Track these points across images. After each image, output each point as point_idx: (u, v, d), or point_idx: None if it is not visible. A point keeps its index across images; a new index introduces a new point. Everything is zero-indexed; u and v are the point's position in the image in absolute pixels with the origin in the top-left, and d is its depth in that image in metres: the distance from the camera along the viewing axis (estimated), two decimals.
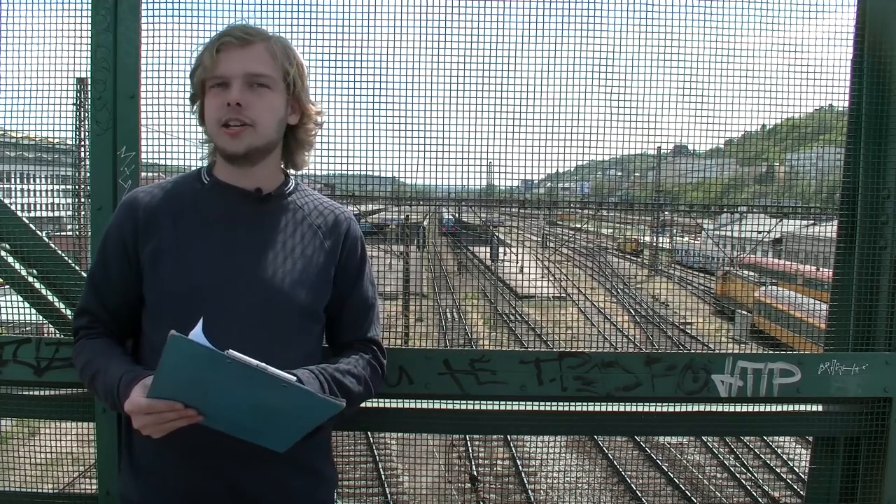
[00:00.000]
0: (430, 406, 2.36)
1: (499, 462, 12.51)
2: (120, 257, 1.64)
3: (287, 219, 1.70)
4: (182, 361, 1.33)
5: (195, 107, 1.69)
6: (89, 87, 2.22)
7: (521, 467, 12.13)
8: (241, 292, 1.58)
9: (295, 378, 1.38)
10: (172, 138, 2.28)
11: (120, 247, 1.64)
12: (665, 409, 2.40)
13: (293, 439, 1.51)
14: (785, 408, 2.42)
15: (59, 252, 2.36)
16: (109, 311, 1.67)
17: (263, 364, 1.35)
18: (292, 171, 1.81)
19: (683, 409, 2.40)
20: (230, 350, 1.33)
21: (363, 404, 2.31)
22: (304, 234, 1.70)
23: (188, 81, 1.69)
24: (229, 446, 1.55)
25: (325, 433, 1.80)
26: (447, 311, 19.65)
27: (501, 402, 2.35)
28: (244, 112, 1.58)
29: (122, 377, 1.50)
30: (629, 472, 12.18)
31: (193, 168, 1.80)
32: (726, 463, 12.49)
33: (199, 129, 1.71)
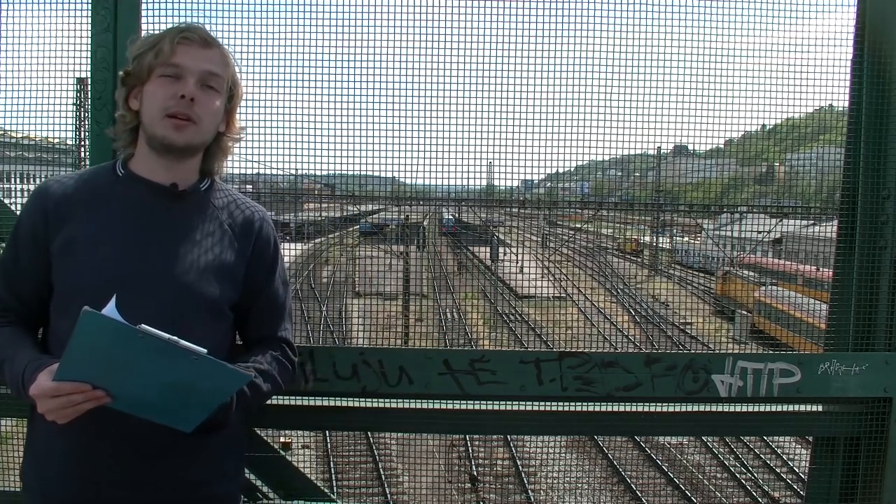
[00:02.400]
0: (430, 406, 2.36)
1: (499, 462, 12.51)
2: (30, 247, 1.64)
3: (199, 216, 1.71)
4: (94, 339, 1.34)
5: (121, 90, 1.67)
6: (89, 87, 2.22)
7: (521, 467, 12.13)
8: (149, 286, 1.59)
9: (206, 350, 1.39)
10: None
11: (30, 236, 1.64)
12: (665, 409, 2.40)
13: (200, 418, 1.52)
14: (785, 408, 2.42)
15: None
16: (20, 299, 1.66)
17: (175, 337, 1.36)
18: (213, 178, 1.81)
19: (683, 409, 2.40)
20: (142, 325, 1.34)
21: (363, 404, 2.33)
22: (215, 231, 1.71)
23: None
24: (130, 436, 1.56)
25: (233, 429, 1.75)
26: (447, 311, 19.64)
27: (501, 402, 2.35)
28: (194, 108, 1.60)
29: (28, 365, 1.50)
30: (629, 472, 12.18)
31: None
32: (726, 463, 12.49)
33: (116, 113, 1.70)
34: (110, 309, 1.36)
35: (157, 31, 1.65)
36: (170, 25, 1.72)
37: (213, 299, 1.66)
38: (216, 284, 1.67)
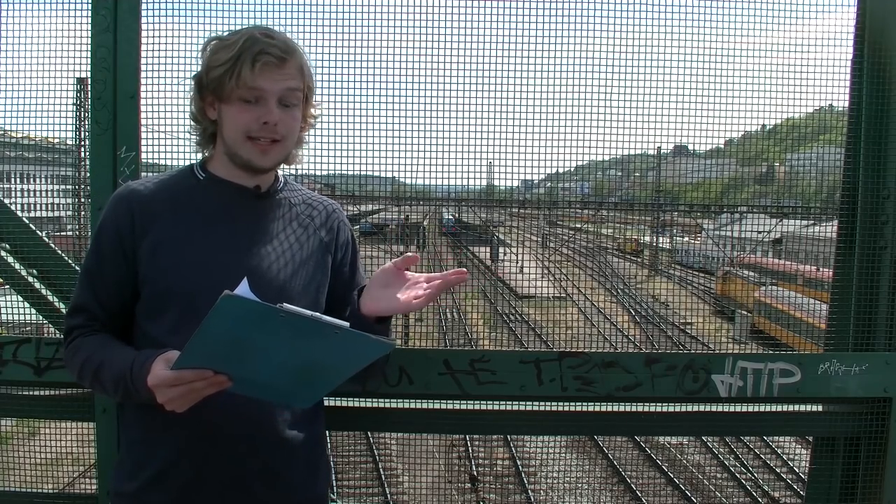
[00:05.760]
0: (430, 406, 2.36)
1: (499, 462, 12.51)
2: (115, 251, 1.62)
3: (282, 214, 1.72)
4: (230, 323, 1.28)
5: (195, 97, 1.66)
6: (89, 87, 2.22)
7: (521, 467, 12.12)
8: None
9: (348, 324, 1.35)
10: (172, 138, 2.28)
11: (116, 240, 1.62)
12: (665, 409, 2.40)
13: (323, 393, 1.52)
14: (785, 408, 2.42)
15: (59, 252, 2.36)
16: (105, 306, 1.64)
17: (317, 314, 1.32)
18: (283, 166, 1.81)
19: (683, 409, 2.41)
20: (283, 304, 1.29)
21: (363, 404, 2.33)
22: (301, 229, 1.73)
23: (188, 81, 1.68)
24: (233, 437, 1.57)
25: (321, 426, 1.81)
26: (447, 311, 19.63)
27: (501, 402, 2.36)
28: (278, 129, 1.60)
29: (135, 359, 1.48)
30: (629, 472, 12.18)
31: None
32: (726, 463, 12.49)
33: (190, 120, 1.69)
34: (244, 289, 1.30)
35: (230, 36, 1.59)
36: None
37: (309, 295, 1.67)
38: (310, 280, 1.68)
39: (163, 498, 1.60)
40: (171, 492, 1.59)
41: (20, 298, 2.40)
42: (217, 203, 1.66)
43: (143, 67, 2.23)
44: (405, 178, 2.83)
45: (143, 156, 2.26)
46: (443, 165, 2.43)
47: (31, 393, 2.35)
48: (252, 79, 1.55)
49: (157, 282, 1.59)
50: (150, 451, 1.61)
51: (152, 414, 1.52)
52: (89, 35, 2.20)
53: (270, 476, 1.64)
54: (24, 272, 2.36)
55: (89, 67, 2.22)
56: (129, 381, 1.48)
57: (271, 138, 1.61)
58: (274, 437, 1.63)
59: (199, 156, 1.76)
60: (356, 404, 2.31)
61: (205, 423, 1.54)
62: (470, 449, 12.21)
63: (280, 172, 1.80)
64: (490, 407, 2.36)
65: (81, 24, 2.25)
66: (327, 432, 1.96)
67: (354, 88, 2.32)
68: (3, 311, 2.58)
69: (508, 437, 11.96)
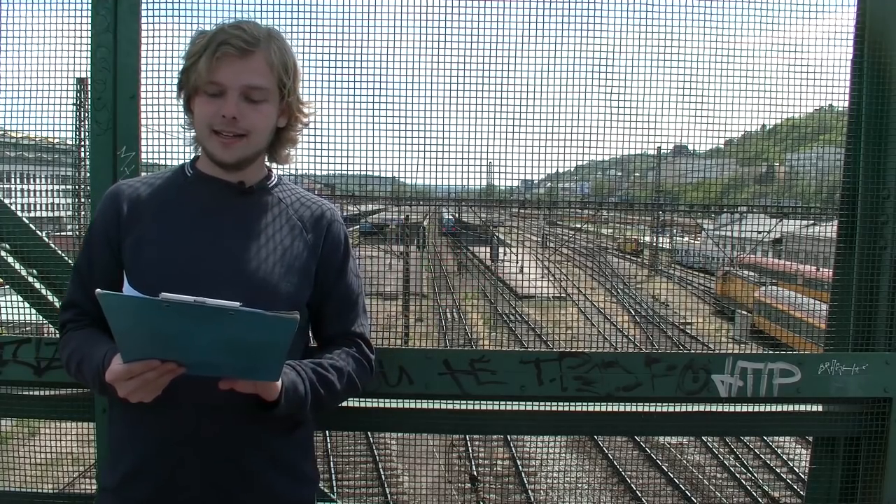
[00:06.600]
0: (430, 406, 2.36)
1: (499, 462, 12.51)
2: (103, 248, 1.63)
3: (269, 212, 1.70)
4: (124, 318, 1.30)
5: (182, 95, 1.65)
6: (89, 87, 2.22)
7: (521, 467, 12.13)
8: (224, 284, 1.56)
9: (239, 303, 1.32)
10: (172, 138, 2.28)
11: (103, 238, 1.63)
12: (665, 409, 2.40)
13: (278, 365, 1.45)
14: (785, 408, 2.43)
15: (59, 252, 2.36)
16: (95, 302, 1.60)
17: (200, 298, 1.29)
18: (275, 166, 1.80)
19: (683, 409, 2.41)
20: (164, 293, 1.28)
21: (363, 404, 2.33)
22: (286, 227, 1.70)
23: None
24: (207, 440, 1.56)
25: (307, 431, 1.78)
26: (447, 311, 19.64)
27: (501, 402, 2.36)
28: (239, 124, 1.58)
29: (105, 354, 1.49)
30: (629, 472, 12.18)
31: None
32: (726, 463, 12.49)
33: (186, 117, 1.69)
34: (126, 287, 1.32)
35: (212, 29, 1.58)
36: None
37: (289, 295, 1.64)
38: (291, 280, 1.65)
39: (140, 494, 1.59)
40: (147, 489, 1.59)
41: (20, 298, 2.40)
42: (202, 201, 1.66)
43: (143, 68, 2.23)
44: (405, 178, 2.83)
45: (143, 156, 2.26)
46: (443, 165, 2.43)
47: (31, 393, 2.35)
48: (209, 71, 1.54)
49: (136, 280, 1.58)
50: (128, 447, 1.61)
51: (128, 408, 1.51)
52: (89, 35, 2.21)
53: (248, 479, 1.62)
54: (24, 272, 2.36)
55: (89, 67, 2.22)
56: (101, 376, 1.48)
57: (233, 133, 1.58)
58: (250, 440, 1.61)
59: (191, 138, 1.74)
60: (356, 404, 2.31)
61: (177, 424, 1.54)
62: (470, 449, 12.21)
63: (275, 170, 1.79)
64: (490, 407, 2.36)
65: (81, 24, 2.25)
66: (327, 432, 1.95)
67: (354, 88, 2.32)
68: (3, 311, 2.58)
69: (508, 437, 11.96)
